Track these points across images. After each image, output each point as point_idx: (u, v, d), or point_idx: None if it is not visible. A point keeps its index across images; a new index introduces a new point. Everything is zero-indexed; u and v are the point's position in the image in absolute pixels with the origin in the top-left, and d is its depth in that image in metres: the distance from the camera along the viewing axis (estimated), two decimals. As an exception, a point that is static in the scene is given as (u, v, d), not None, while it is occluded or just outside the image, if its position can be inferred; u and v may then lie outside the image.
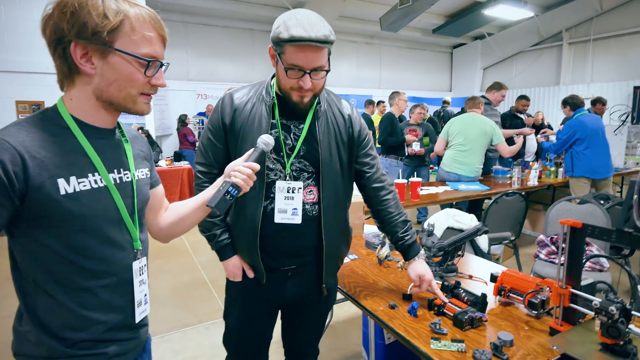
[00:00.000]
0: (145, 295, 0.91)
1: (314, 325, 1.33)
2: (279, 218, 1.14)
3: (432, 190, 3.35)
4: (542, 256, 2.48)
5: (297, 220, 1.13)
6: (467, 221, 2.13)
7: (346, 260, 1.75)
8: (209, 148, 1.19)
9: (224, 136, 1.16)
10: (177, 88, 7.71)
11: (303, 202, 1.14)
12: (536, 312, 1.24)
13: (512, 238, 3.04)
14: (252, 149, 0.96)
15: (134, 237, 0.85)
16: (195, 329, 2.52)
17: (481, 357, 1.04)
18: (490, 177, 3.90)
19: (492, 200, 2.80)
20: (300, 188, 1.13)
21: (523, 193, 3.03)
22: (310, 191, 1.13)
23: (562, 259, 1.11)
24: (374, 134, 4.81)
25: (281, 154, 1.12)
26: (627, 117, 5.86)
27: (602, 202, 2.58)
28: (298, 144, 1.13)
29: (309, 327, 1.33)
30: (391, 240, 1.32)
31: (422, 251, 1.32)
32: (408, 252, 1.30)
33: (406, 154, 4.10)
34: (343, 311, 2.70)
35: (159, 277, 3.31)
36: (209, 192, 0.94)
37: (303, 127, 1.14)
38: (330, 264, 1.20)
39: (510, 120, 4.45)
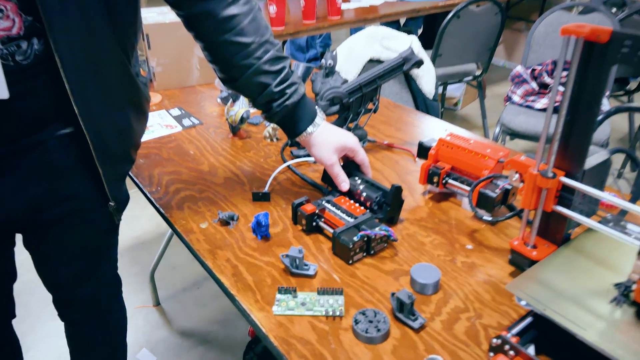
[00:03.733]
0: None
1: (75, 253, 1.02)
2: None
3: (366, 1, 2.78)
4: (515, 98, 2.20)
5: (2, 94, 0.73)
6: (406, 47, 1.65)
7: (176, 128, 1.31)
8: None
9: None
10: None
11: None
12: (491, 218, 0.86)
13: (478, 73, 2.82)
14: None
15: None
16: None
17: (369, 333, 0.65)
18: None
19: (451, 14, 2.33)
20: None
21: (502, 3, 2.59)
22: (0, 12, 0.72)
23: (547, 103, 0.66)
24: None
25: None
26: None
27: (614, 10, 2.20)
28: None
29: (65, 258, 1.02)
30: (257, 104, 0.94)
31: (321, 113, 0.97)
32: (295, 121, 0.95)
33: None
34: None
35: None
36: None
37: None
38: (107, 161, 0.89)
39: None
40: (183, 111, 1.41)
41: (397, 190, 0.87)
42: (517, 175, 0.74)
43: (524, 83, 2.16)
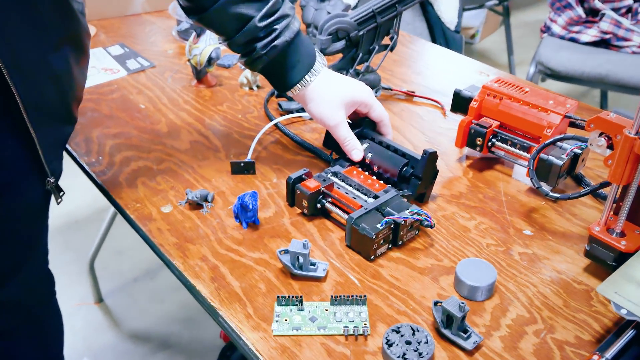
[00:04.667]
0: None
1: None
2: None
3: None
4: (556, 28, 2.18)
5: None
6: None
7: (119, 72, 1.28)
8: None
9: None
10: None
11: None
12: (559, 194, 0.82)
13: (505, -5, 2.92)
14: None
15: None
16: None
17: (404, 356, 0.60)
18: None
19: None
20: None
21: None
22: None
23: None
24: None
25: None
26: None
27: None
28: None
29: None
30: (233, 45, 0.92)
31: (321, 56, 0.94)
32: (286, 68, 0.93)
33: None
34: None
35: None
36: None
37: None
38: (42, 119, 0.88)
39: None
40: (127, 49, 1.39)
41: (431, 157, 0.82)
42: (603, 140, 0.69)
43: (567, 9, 2.13)
